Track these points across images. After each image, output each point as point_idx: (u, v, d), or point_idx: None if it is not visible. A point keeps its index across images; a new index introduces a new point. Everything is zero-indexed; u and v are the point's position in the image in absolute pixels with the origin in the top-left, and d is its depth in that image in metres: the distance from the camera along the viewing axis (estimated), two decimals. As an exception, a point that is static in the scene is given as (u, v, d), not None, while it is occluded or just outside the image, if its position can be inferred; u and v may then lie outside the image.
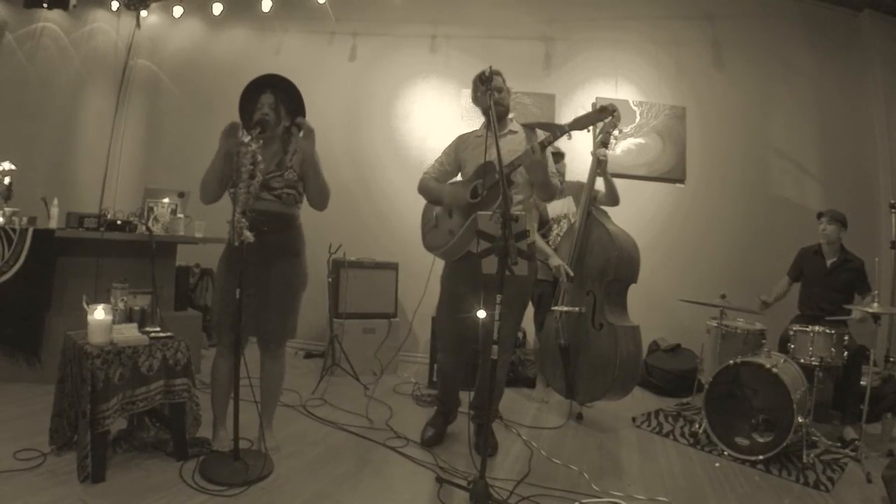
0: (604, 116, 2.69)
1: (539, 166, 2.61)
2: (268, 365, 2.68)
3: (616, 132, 3.63)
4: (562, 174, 3.95)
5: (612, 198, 3.65)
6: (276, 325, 2.59)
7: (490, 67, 2.70)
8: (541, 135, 2.95)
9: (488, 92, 2.60)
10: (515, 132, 2.90)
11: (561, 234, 3.86)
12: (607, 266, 3.41)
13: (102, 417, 2.16)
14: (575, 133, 2.65)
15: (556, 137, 2.72)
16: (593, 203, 3.60)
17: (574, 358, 3.49)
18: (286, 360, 2.78)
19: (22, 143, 4.81)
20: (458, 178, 3.02)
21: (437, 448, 2.89)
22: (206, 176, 2.53)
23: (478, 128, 3.00)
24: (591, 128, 2.78)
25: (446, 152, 3.04)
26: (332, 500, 2.27)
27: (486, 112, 2.79)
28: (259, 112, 2.49)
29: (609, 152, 3.58)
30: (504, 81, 2.88)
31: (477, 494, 2.14)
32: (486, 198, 2.70)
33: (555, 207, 3.98)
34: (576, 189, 3.85)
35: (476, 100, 2.92)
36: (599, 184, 3.62)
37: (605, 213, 3.63)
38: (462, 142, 3.00)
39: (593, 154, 3.53)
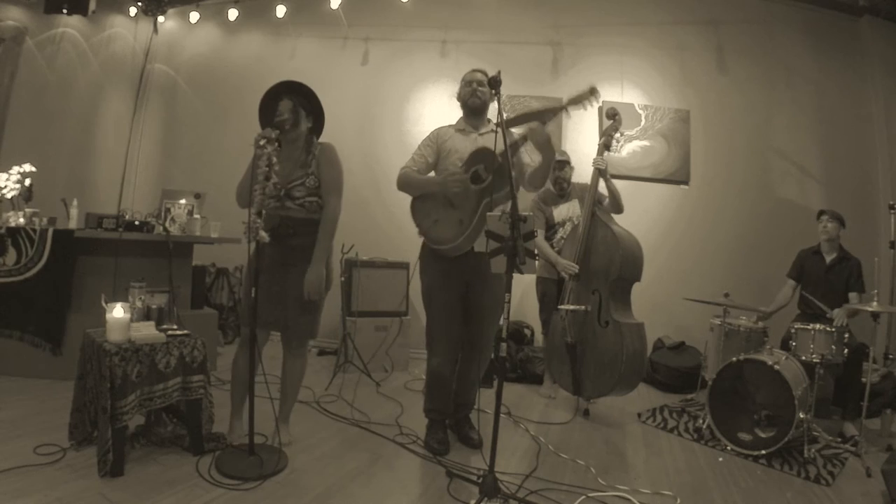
0: (595, 96, 2.66)
1: (548, 144, 2.61)
2: (289, 362, 2.74)
3: (618, 135, 3.67)
4: (567, 180, 4.03)
5: (616, 206, 3.69)
6: (299, 324, 2.63)
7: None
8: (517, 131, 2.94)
9: (496, 95, 2.55)
10: (495, 131, 2.74)
11: (565, 236, 3.90)
12: (612, 265, 3.46)
13: (121, 413, 2.20)
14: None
15: (556, 114, 2.74)
16: (597, 205, 3.65)
17: (581, 355, 3.54)
18: (307, 358, 2.82)
19: (42, 145, 4.90)
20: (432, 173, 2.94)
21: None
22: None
23: (454, 122, 2.96)
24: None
25: (427, 144, 2.91)
26: (345, 493, 2.31)
27: (478, 109, 2.86)
28: (279, 118, 2.53)
29: (613, 154, 3.62)
30: (486, 76, 2.85)
31: (486, 488, 2.16)
32: (491, 182, 2.62)
33: (560, 212, 4.00)
34: (581, 192, 3.91)
35: (460, 96, 2.92)
36: (605, 188, 3.67)
37: (608, 214, 3.67)
38: (441, 135, 2.91)
39: (593, 163, 3.62)
